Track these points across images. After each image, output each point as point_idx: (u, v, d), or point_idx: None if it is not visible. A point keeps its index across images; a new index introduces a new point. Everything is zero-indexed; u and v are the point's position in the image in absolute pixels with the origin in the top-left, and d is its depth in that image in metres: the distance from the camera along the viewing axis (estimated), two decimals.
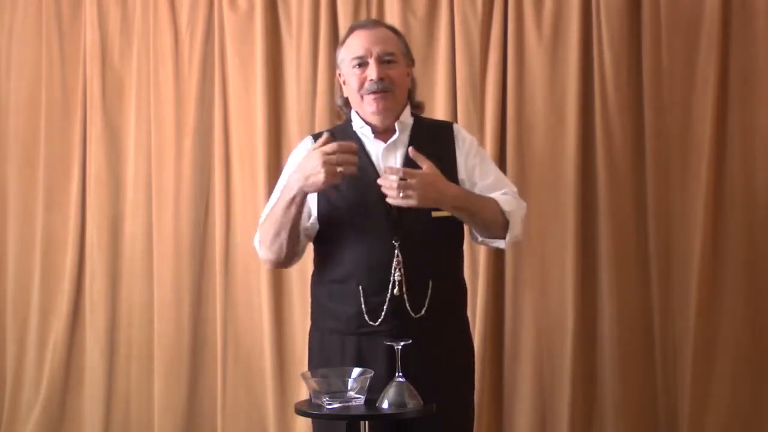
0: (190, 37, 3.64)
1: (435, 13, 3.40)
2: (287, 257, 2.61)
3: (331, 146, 2.43)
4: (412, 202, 2.40)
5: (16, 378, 3.79)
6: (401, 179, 2.39)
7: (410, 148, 2.45)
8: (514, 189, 2.67)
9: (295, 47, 3.53)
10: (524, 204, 2.67)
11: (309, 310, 3.39)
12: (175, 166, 3.62)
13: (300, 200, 2.49)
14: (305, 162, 2.47)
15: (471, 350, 2.70)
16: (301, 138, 3.42)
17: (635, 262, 3.25)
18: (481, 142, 3.29)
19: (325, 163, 2.41)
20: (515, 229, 2.59)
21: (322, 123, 3.41)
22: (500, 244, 2.63)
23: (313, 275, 2.69)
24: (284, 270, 3.46)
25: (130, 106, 3.70)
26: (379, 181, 2.43)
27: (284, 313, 3.50)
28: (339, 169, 2.41)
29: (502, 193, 2.62)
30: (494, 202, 2.57)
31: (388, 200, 2.42)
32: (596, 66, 3.26)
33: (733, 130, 3.20)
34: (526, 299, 3.30)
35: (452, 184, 2.51)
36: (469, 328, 2.70)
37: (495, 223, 2.57)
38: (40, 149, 3.78)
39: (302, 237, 2.61)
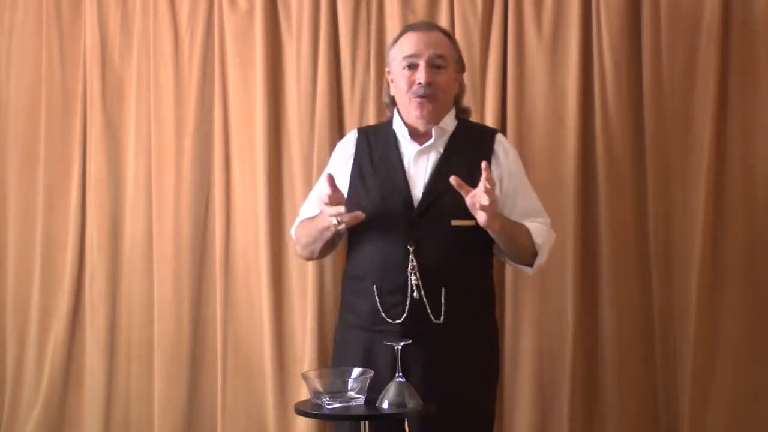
0: (190, 37, 3.64)
1: (435, 13, 3.40)
2: (319, 257, 2.83)
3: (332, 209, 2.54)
4: (485, 209, 2.44)
5: (16, 378, 3.78)
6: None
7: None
8: (549, 220, 2.77)
9: (295, 47, 3.53)
10: (554, 235, 2.77)
11: (309, 310, 3.41)
12: (175, 166, 3.62)
13: (334, 231, 2.61)
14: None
15: (494, 359, 2.74)
16: (301, 140, 3.47)
17: (635, 262, 3.25)
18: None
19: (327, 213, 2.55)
20: (541, 259, 2.70)
21: (322, 123, 3.41)
22: (526, 271, 2.75)
23: (343, 271, 2.79)
24: (284, 270, 3.47)
25: (130, 106, 3.70)
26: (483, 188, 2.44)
27: (284, 313, 3.50)
28: (333, 222, 2.53)
29: (539, 222, 2.71)
30: (528, 231, 2.65)
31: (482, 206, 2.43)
32: (596, 66, 3.26)
33: (733, 131, 3.20)
34: (526, 299, 3.30)
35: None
36: (493, 334, 2.72)
37: (527, 251, 2.66)
38: (40, 149, 3.78)
39: (336, 243, 2.77)
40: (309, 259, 2.89)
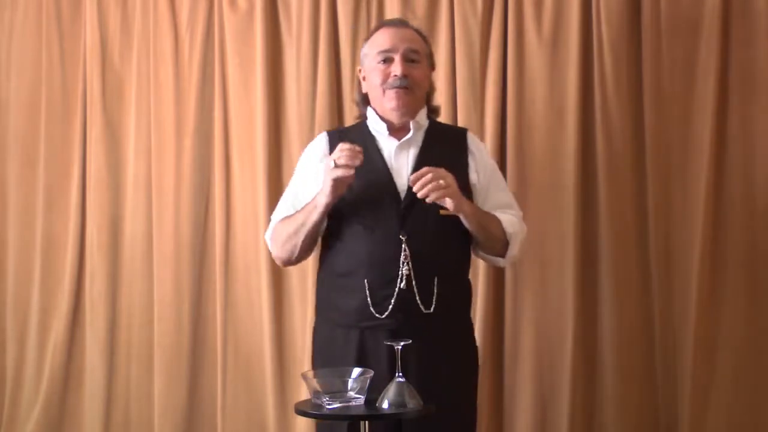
0: (190, 37, 3.64)
1: (435, 13, 3.40)
2: (297, 258, 2.70)
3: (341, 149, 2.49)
4: (448, 192, 2.45)
5: (16, 378, 3.79)
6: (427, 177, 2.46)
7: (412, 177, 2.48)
8: (520, 213, 2.77)
9: (295, 47, 3.53)
10: (525, 228, 2.76)
11: (310, 310, 3.40)
12: (175, 166, 3.62)
13: (323, 209, 2.54)
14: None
15: (475, 350, 2.73)
16: (301, 139, 3.46)
17: (635, 262, 3.25)
18: (481, 142, 3.30)
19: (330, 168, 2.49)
20: (513, 249, 2.68)
21: (322, 123, 3.41)
22: (499, 262, 2.75)
23: (319, 269, 2.73)
24: (284, 269, 3.46)
25: (130, 106, 3.70)
26: (412, 179, 2.46)
27: (284, 313, 3.50)
28: (334, 173, 2.46)
29: (511, 213, 2.71)
30: (498, 220, 2.65)
31: (425, 197, 2.45)
32: (596, 66, 3.26)
33: (733, 130, 3.20)
34: (526, 299, 3.30)
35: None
36: (472, 328, 2.72)
37: (498, 241, 2.65)
38: (40, 149, 3.78)
39: (317, 239, 2.68)
40: (288, 260, 2.70)
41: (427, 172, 2.46)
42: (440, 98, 3.35)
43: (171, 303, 3.60)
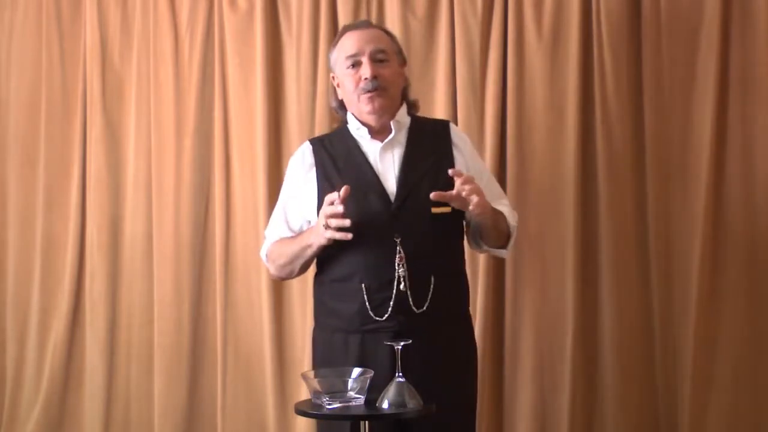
0: (190, 37, 3.64)
1: (435, 13, 3.40)
2: (295, 277, 2.79)
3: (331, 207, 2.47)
4: (477, 200, 2.47)
5: (16, 378, 3.79)
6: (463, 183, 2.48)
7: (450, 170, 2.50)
8: (508, 202, 2.82)
9: (295, 47, 3.54)
10: (516, 215, 2.79)
11: (310, 310, 3.41)
12: (175, 166, 3.62)
13: (317, 249, 2.57)
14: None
15: (474, 348, 2.73)
16: (301, 139, 3.45)
17: (635, 262, 3.25)
18: (481, 142, 3.30)
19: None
20: (513, 239, 2.74)
21: (321, 123, 3.41)
22: (502, 253, 2.78)
23: (315, 276, 2.73)
24: None
25: (130, 106, 3.70)
26: (452, 172, 2.49)
27: (284, 313, 3.50)
28: (324, 223, 2.47)
29: (504, 204, 2.74)
30: (503, 214, 2.69)
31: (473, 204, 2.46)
32: (596, 66, 3.26)
33: (733, 131, 3.20)
34: (526, 299, 3.30)
35: None
36: (472, 325, 2.72)
37: (504, 234, 2.70)
38: (40, 149, 3.78)
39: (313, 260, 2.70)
40: (285, 279, 2.83)
41: (468, 178, 2.48)
42: (440, 98, 3.36)
43: (171, 303, 3.60)
